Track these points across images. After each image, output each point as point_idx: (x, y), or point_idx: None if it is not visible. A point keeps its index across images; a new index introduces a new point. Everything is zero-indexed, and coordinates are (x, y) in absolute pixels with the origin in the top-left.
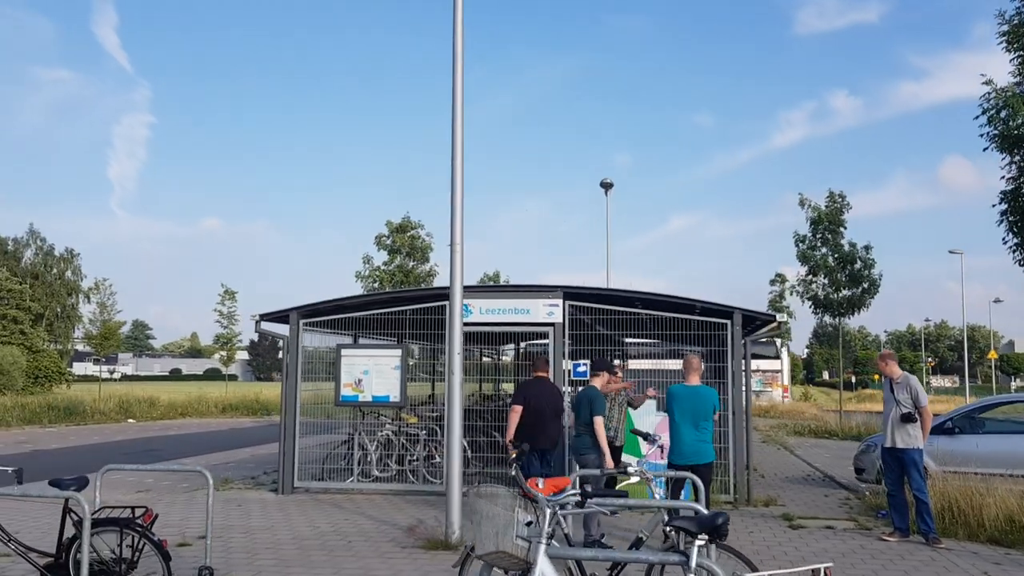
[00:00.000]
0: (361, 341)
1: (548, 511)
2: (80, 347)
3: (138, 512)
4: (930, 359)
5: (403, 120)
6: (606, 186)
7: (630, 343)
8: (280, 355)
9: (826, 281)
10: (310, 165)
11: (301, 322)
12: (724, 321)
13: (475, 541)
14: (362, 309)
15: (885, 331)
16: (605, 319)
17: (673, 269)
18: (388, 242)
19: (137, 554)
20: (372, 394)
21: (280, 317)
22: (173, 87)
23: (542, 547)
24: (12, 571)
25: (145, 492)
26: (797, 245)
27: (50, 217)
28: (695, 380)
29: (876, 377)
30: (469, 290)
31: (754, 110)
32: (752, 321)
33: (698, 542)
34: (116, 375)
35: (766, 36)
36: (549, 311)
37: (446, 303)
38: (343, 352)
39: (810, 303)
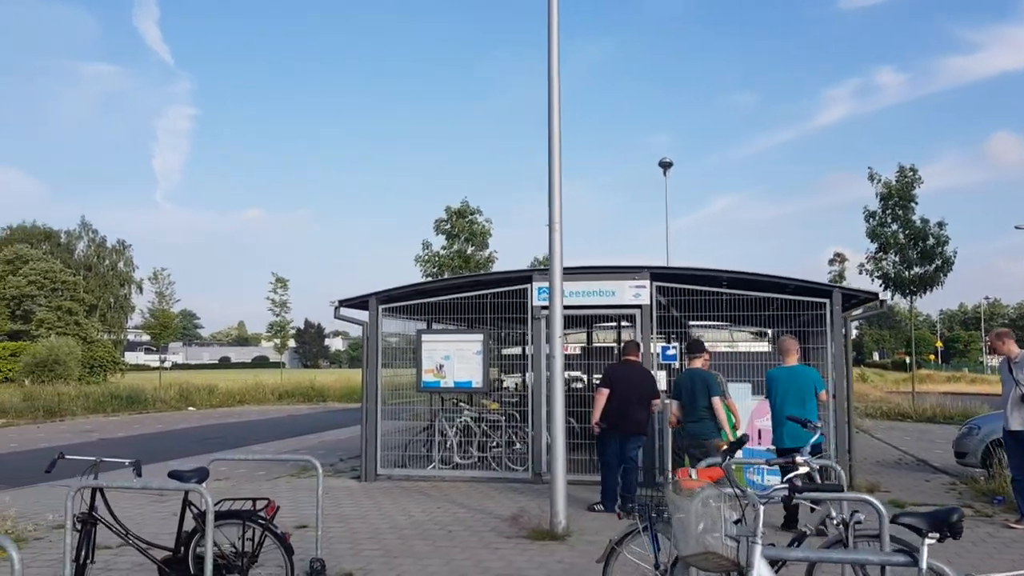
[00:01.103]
0: (434, 327)
1: (760, 508)
2: (132, 336)
3: (259, 504)
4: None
5: (444, 108)
6: (665, 165)
7: (694, 326)
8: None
9: (897, 258)
10: (349, 153)
11: (380, 307)
12: (819, 300)
13: (676, 541)
14: (441, 294)
15: (940, 311)
16: (683, 300)
17: (714, 252)
18: (447, 227)
19: (258, 548)
20: (454, 380)
21: (359, 303)
22: (213, 79)
23: (758, 548)
24: (118, 564)
25: (224, 480)
26: (867, 221)
27: (99, 210)
28: (793, 361)
29: (931, 357)
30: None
31: (797, 88)
32: (847, 300)
33: (928, 541)
34: (167, 364)
35: (809, 12)
36: (636, 293)
37: (528, 286)
38: (423, 337)
39: (880, 281)
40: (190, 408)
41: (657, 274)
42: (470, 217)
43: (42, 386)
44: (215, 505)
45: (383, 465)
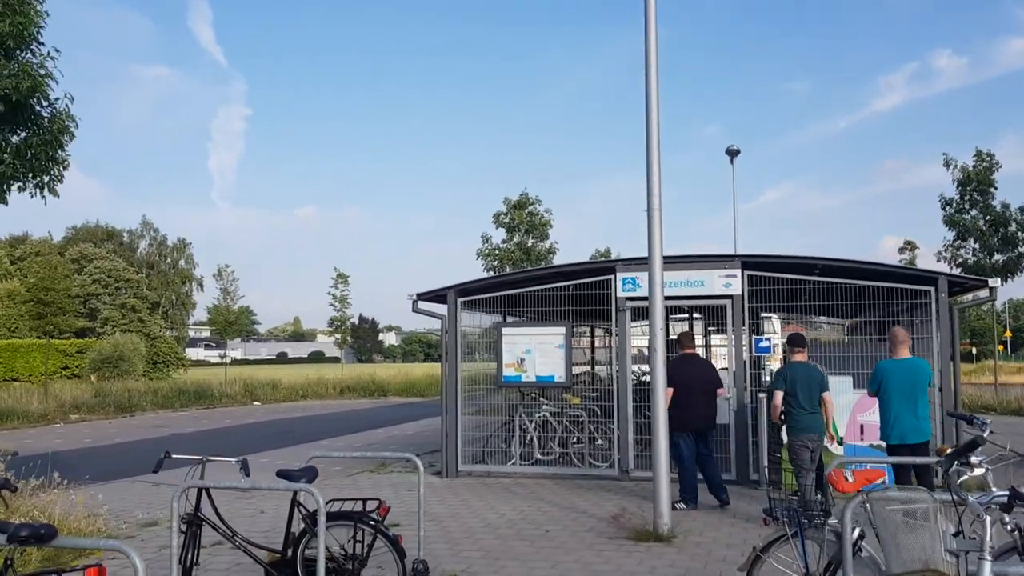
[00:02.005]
0: (509, 319)
1: (988, 519)
2: (192, 333)
3: (370, 505)
4: None
5: (496, 101)
6: (732, 153)
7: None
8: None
9: (977, 246)
10: (399, 150)
11: (459, 300)
12: (922, 288)
13: (887, 555)
14: (520, 286)
15: (1009, 299)
16: (772, 290)
17: (765, 244)
18: (506, 219)
19: (369, 550)
20: (535, 374)
21: (437, 296)
22: (266, 78)
23: (987, 565)
24: (214, 565)
25: None
26: (943, 208)
27: (159, 209)
28: (905, 352)
29: (1000, 348)
30: (636, 263)
31: (851, 74)
32: (951, 288)
33: None
34: (227, 359)
35: None
36: (726, 282)
37: (611, 277)
38: (504, 331)
39: (959, 270)
40: (255, 403)
41: (749, 262)
42: (530, 208)
43: (112, 382)
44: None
45: (463, 461)
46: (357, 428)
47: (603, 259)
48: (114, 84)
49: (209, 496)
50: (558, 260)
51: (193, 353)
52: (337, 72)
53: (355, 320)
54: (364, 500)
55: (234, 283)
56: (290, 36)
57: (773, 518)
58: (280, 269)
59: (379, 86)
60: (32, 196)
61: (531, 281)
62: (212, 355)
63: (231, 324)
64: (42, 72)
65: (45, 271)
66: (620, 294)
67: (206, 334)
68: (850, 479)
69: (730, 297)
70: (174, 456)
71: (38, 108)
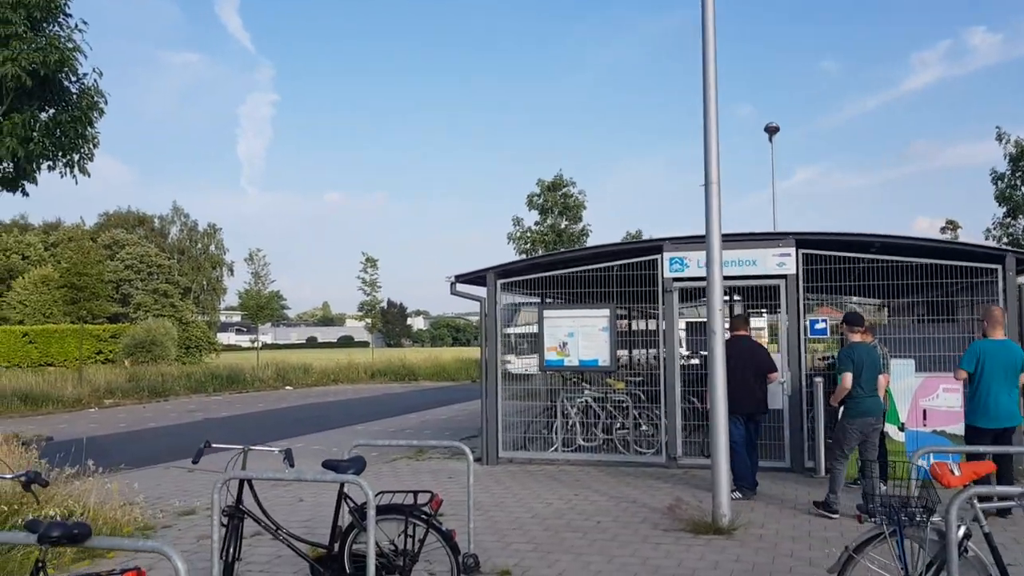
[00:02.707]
0: (547, 301)
1: None
2: (223, 318)
3: (421, 497)
4: None
5: (521, 85)
6: (771, 131)
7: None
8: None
9: None
10: (425, 135)
11: (499, 282)
12: (988, 267)
13: None
14: (561, 267)
15: None
16: (825, 269)
17: (797, 224)
18: (540, 201)
19: (420, 546)
20: (579, 358)
21: (475, 278)
22: (293, 64)
23: None
24: (254, 557)
25: None
26: (995, 184)
27: (188, 195)
28: (1000, 333)
29: None
30: (685, 241)
31: (884, 53)
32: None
33: None
34: (257, 344)
35: None
36: (780, 261)
37: (657, 257)
38: (545, 313)
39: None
40: (287, 387)
41: (803, 240)
42: (564, 189)
43: (145, 367)
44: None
45: (503, 447)
46: (390, 413)
47: (648, 239)
48: (143, 71)
49: (251, 487)
50: (591, 242)
51: (224, 338)
52: (363, 58)
53: (384, 305)
54: (415, 492)
55: (265, 267)
56: (317, 22)
57: (868, 515)
58: (308, 254)
59: (405, 71)
60: (62, 175)
61: (572, 262)
62: (243, 340)
63: (263, 309)
64: (70, 46)
65: (78, 256)
66: (667, 275)
67: (237, 319)
68: (956, 472)
69: (784, 277)
70: (214, 446)
71: (66, 84)
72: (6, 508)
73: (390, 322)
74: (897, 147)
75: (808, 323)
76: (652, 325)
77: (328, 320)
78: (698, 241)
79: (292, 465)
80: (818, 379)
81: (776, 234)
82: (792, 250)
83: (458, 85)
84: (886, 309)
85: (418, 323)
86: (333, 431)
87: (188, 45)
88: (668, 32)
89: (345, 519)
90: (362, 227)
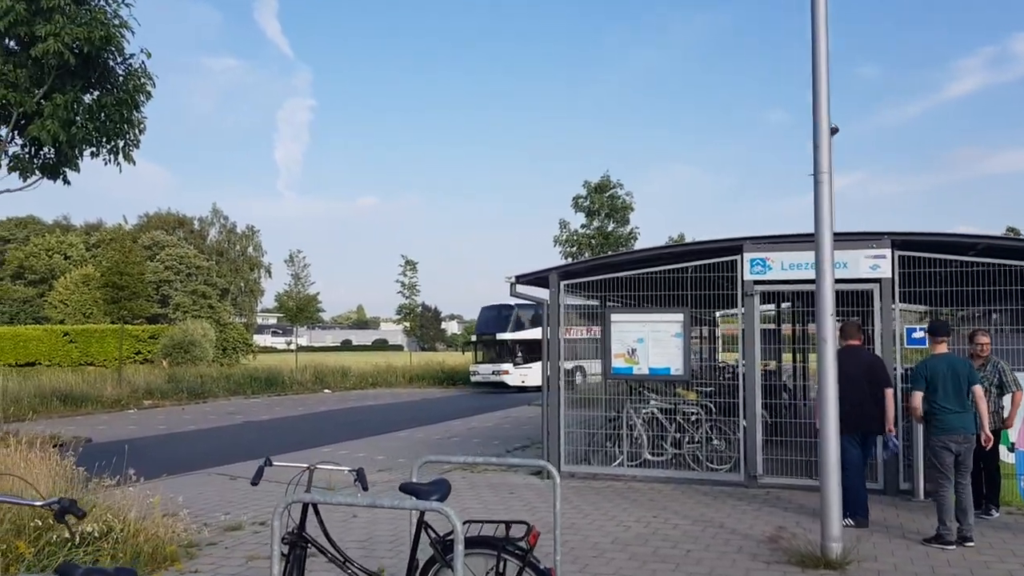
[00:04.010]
0: (610, 304)
1: None
2: (260, 320)
3: (516, 529)
4: None
5: (557, 87)
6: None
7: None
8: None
9: None
10: (461, 138)
11: (562, 283)
12: None
13: None
14: (628, 268)
15: None
16: (918, 273)
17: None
18: (586, 204)
19: None
20: (648, 366)
21: (537, 279)
22: (331, 69)
23: None
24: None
25: (387, 472)
26: None
27: (226, 199)
28: None
29: None
30: (767, 241)
31: (925, 59)
32: None
33: None
34: (295, 346)
35: None
36: (873, 264)
37: (736, 258)
38: (612, 317)
39: None
40: (325, 390)
41: (900, 241)
42: (611, 191)
43: (184, 368)
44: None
45: (565, 460)
46: (433, 419)
47: (727, 238)
48: (184, 76)
49: (316, 512)
50: (639, 246)
51: (260, 340)
52: (400, 62)
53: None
54: (508, 523)
55: (305, 269)
56: (354, 26)
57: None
58: (342, 258)
59: (440, 75)
60: (106, 163)
61: (642, 263)
62: (279, 342)
63: (302, 310)
64: (116, 22)
65: (119, 256)
66: (747, 277)
67: (273, 321)
68: None
69: (878, 281)
70: (276, 464)
71: (112, 63)
72: (40, 522)
73: (424, 326)
74: (939, 154)
75: (904, 331)
76: (716, 332)
77: (363, 323)
78: (783, 241)
79: (365, 487)
80: (917, 393)
81: (870, 234)
82: (887, 251)
83: (493, 87)
84: (995, 315)
85: (451, 327)
86: (377, 437)
87: (228, 50)
88: (704, 37)
89: (420, 549)
90: (395, 231)
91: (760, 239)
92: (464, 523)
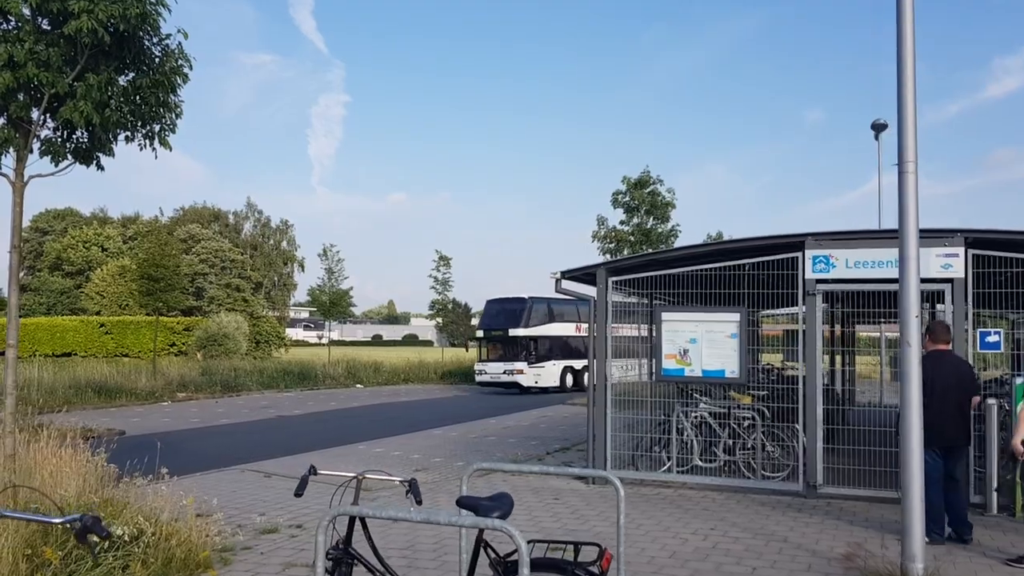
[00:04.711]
0: (657, 303)
1: None
2: (292, 313)
3: (585, 551)
4: None
5: (592, 85)
6: (878, 127)
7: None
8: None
9: None
10: (491, 135)
11: (610, 280)
12: None
13: None
14: (679, 264)
15: None
16: (988, 274)
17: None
18: (625, 200)
19: None
20: (702, 368)
21: (584, 275)
22: (365, 66)
23: None
24: None
25: (424, 472)
26: None
27: (260, 194)
28: None
29: None
30: (831, 237)
31: (965, 58)
32: None
33: None
34: (327, 340)
35: None
36: (945, 263)
37: (797, 255)
38: (664, 316)
39: None
40: (358, 385)
41: (974, 239)
42: (651, 187)
43: (218, 361)
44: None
45: (612, 465)
46: (467, 416)
47: (787, 234)
48: (219, 71)
49: (365, 526)
50: (680, 243)
51: (292, 333)
52: (433, 59)
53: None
54: (577, 544)
55: (339, 263)
56: (389, 22)
57: None
58: (373, 253)
59: (472, 74)
60: (141, 148)
61: (693, 259)
62: (310, 335)
63: (335, 305)
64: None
65: (155, 248)
66: (809, 275)
67: (305, 315)
68: None
69: (950, 281)
70: (321, 472)
71: (147, 44)
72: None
73: (455, 322)
74: (978, 155)
75: (978, 335)
76: (759, 332)
77: (393, 318)
78: (849, 237)
79: (419, 500)
80: (991, 401)
81: (942, 231)
82: (960, 250)
83: (525, 87)
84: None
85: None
86: (411, 435)
87: (263, 46)
88: (740, 36)
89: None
90: (425, 227)
91: (823, 235)
92: (528, 542)
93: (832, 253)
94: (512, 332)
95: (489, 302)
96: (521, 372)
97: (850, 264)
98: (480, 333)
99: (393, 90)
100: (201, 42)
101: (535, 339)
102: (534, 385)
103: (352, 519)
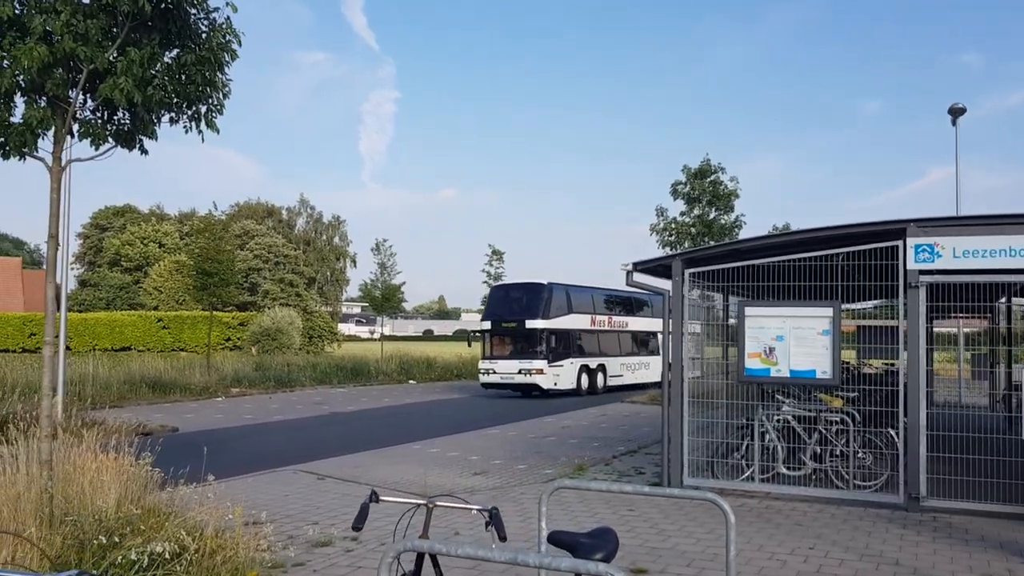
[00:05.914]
0: (736, 298)
1: None
2: (344, 308)
3: None
4: None
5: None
6: (956, 112)
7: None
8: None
9: None
10: (541, 131)
11: (686, 272)
12: None
13: None
14: (762, 254)
15: None
16: None
17: None
18: (686, 190)
19: None
20: (789, 368)
21: (658, 267)
22: (416, 62)
23: None
24: None
25: (480, 476)
26: None
27: (313, 189)
28: None
29: None
30: (938, 223)
31: None
32: None
33: None
34: (379, 335)
35: None
36: None
37: (897, 243)
38: (747, 311)
39: None
40: (411, 381)
41: None
42: (712, 177)
43: (271, 356)
44: None
45: (688, 472)
46: (524, 415)
47: (886, 220)
48: (274, 69)
49: (435, 564)
50: (744, 235)
51: (344, 328)
52: (483, 54)
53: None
54: None
55: (391, 258)
56: (438, 19)
57: None
58: (423, 248)
59: (521, 69)
60: (187, 130)
61: (778, 249)
62: (362, 330)
63: (387, 300)
64: None
65: (210, 243)
66: (912, 266)
67: (356, 310)
68: None
69: None
70: (384, 500)
71: (193, 16)
72: (104, 539)
73: None
74: None
75: None
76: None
77: (444, 313)
78: (961, 224)
79: (502, 535)
80: None
81: None
82: None
83: (576, 83)
84: None
85: None
86: (466, 434)
87: (316, 45)
88: (797, 24)
89: None
90: (475, 223)
91: (926, 221)
92: None
93: (938, 241)
94: (530, 324)
95: (497, 287)
96: (541, 372)
97: (958, 253)
98: (487, 324)
99: (443, 86)
100: (258, 42)
101: (555, 332)
102: (553, 387)
103: (421, 555)
